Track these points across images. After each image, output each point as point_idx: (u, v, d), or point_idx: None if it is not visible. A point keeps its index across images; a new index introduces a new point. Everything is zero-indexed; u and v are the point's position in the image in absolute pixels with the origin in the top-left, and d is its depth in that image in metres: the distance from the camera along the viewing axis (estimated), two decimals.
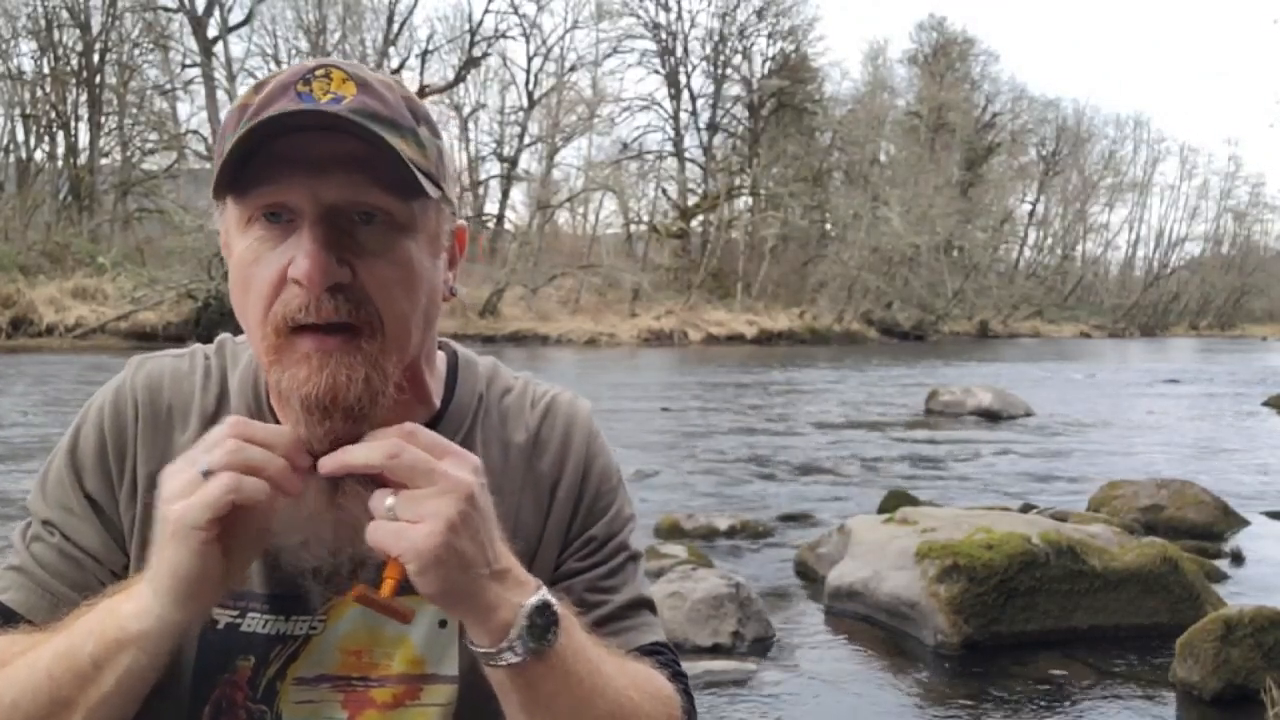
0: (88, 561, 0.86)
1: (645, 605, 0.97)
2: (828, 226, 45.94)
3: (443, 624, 0.86)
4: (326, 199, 0.76)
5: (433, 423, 0.90)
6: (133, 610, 0.74)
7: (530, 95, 39.98)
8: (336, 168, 0.76)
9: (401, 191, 0.78)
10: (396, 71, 36.72)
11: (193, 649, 0.84)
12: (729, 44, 46.47)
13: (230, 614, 0.85)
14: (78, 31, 31.03)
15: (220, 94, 32.24)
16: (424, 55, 37.72)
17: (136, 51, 33.00)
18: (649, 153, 45.28)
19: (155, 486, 0.84)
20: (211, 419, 0.89)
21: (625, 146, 43.72)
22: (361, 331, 0.77)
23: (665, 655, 0.95)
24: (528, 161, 40.97)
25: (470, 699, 0.86)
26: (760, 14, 46.54)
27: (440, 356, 0.95)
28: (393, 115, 0.78)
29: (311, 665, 0.85)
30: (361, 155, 0.76)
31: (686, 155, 45.35)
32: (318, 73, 0.77)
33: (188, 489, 0.73)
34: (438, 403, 0.91)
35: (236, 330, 0.96)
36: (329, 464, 0.74)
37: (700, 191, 45.04)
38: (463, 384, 0.94)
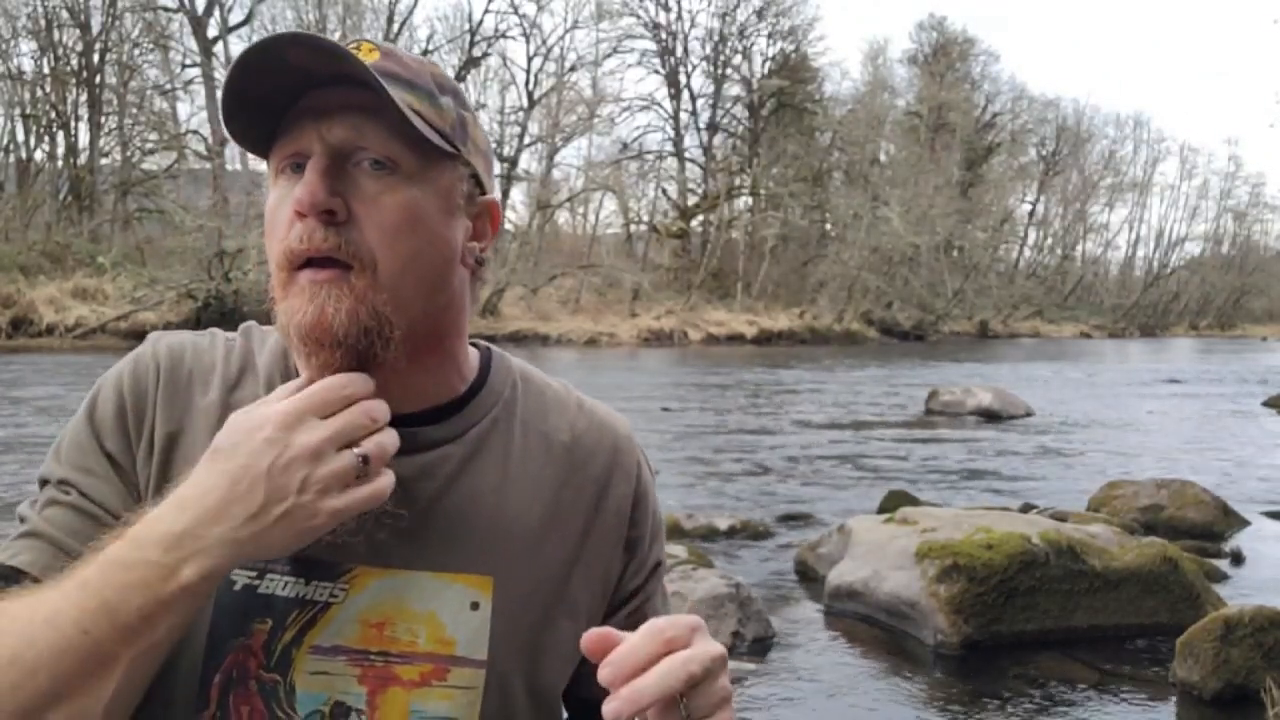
0: (106, 519, 0.83)
1: None
2: (828, 226, 45.92)
3: (475, 606, 0.85)
4: (331, 140, 0.80)
5: (463, 400, 0.90)
6: (196, 570, 0.73)
7: (530, 95, 39.98)
8: (343, 113, 0.80)
9: (405, 140, 0.80)
10: None
11: (208, 614, 0.81)
12: (729, 44, 46.51)
13: (248, 574, 0.83)
14: (78, 31, 31.02)
15: (220, 94, 32.26)
16: (424, 55, 37.58)
17: (136, 51, 33.00)
18: (649, 153, 45.31)
19: (173, 446, 0.85)
20: (233, 386, 0.89)
21: (625, 146, 43.73)
22: (351, 268, 0.80)
23: None
24: (528, 161, 40.98)
25: (499, 686, 0.84)
26: (760, 14, 46.58)
27: (474, 352, 0.95)
28: (409, 77, 0.81)
29: (329, 635, 0.82)
30: (370, 104, 0.79)
31: (686, 155, 45.38)
32: (349, 45, 0.81)
33: (346, 475, 0.75)
34: (463, 387, 0.91)
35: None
36: (625, 709, 0.71)
37: (700, 191, 45.04)
38: (496, 372, 0.94)
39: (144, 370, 0.88)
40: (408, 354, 0.82)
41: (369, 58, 0.80)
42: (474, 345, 0.96)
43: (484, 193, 0.89)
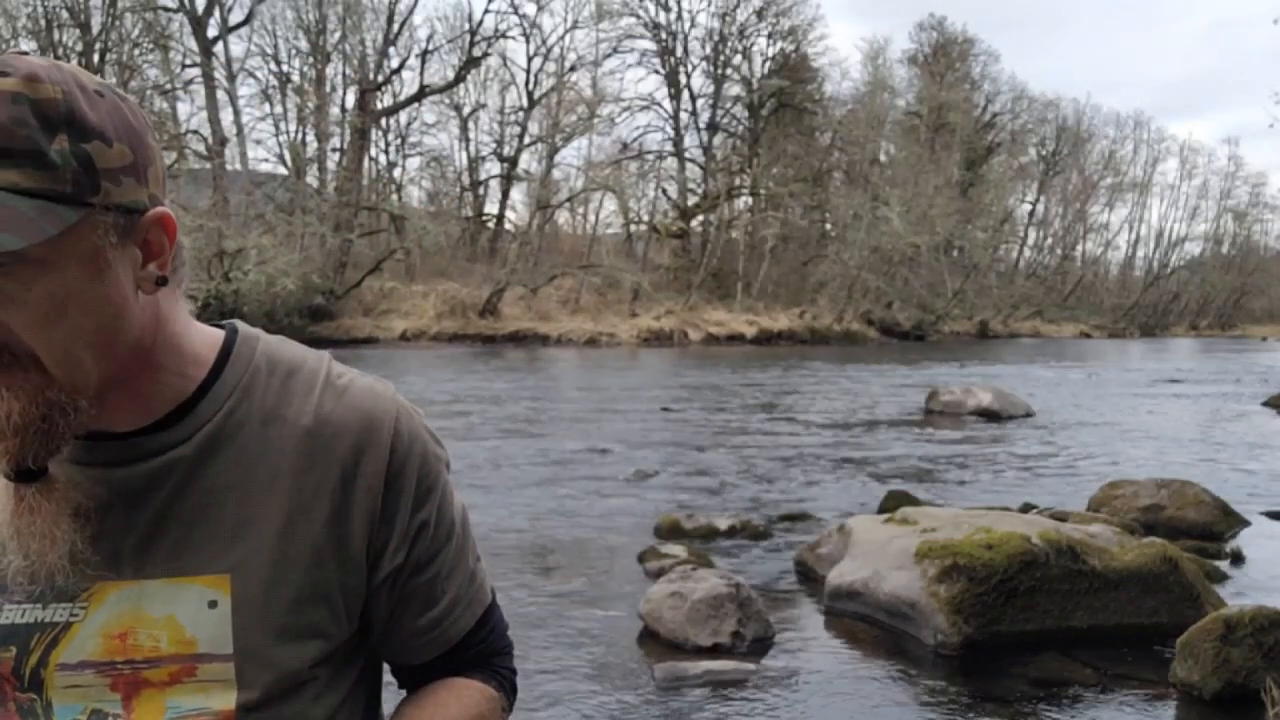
0: None
1: (481, 611, 0.99)
2: (828, 226, 45.97)
3: (213, 604, 0.84)
4: None
5: (192, 402, 0.86)
6: None
7: (530, 95, 40.00)
8: None
9: (19, 234, 0.70)
10: (396, 71, 36.80)
11: None
12: (729, 44, 46.49)
13: None
14: (78, 31, 31.03)
15: (220, 94, 32.27)
16: (424, 55, 37.73)
17: (136, 51, 33.00)
18: (649, 153, 45.31)
19: None
20: None
21: (625, 146, 43.75)
22: (14, 365, 0.75)
23: (498, 663, 1.01)
24: (528, 161, 41.02)
25: (252, 674, 0.85)
26: (760, 14, 46.57)
27: (215, 336, 0.91)
28: (5, 143, 0.70)
29: (73, 652, 0.84)
30: None
31: (686, 155, 45.36)
32: None
33: None
34: (193, 387, 0.87)
35: None
36: None
37: (700, 191, 45.03)
38: (235, 362, 0.89)
39: None
40: (111, 395, 0.81)
41: None
42: (220, 327, 0.93)
43: (144, 209, 0.78)
